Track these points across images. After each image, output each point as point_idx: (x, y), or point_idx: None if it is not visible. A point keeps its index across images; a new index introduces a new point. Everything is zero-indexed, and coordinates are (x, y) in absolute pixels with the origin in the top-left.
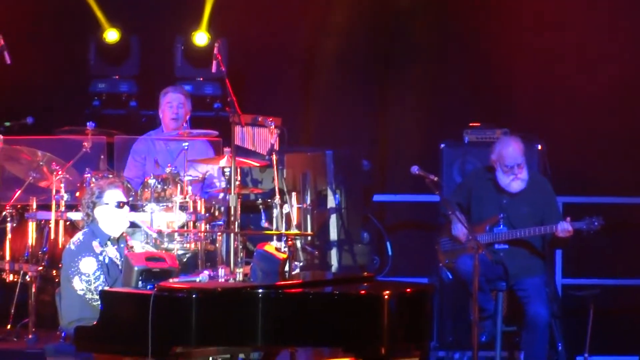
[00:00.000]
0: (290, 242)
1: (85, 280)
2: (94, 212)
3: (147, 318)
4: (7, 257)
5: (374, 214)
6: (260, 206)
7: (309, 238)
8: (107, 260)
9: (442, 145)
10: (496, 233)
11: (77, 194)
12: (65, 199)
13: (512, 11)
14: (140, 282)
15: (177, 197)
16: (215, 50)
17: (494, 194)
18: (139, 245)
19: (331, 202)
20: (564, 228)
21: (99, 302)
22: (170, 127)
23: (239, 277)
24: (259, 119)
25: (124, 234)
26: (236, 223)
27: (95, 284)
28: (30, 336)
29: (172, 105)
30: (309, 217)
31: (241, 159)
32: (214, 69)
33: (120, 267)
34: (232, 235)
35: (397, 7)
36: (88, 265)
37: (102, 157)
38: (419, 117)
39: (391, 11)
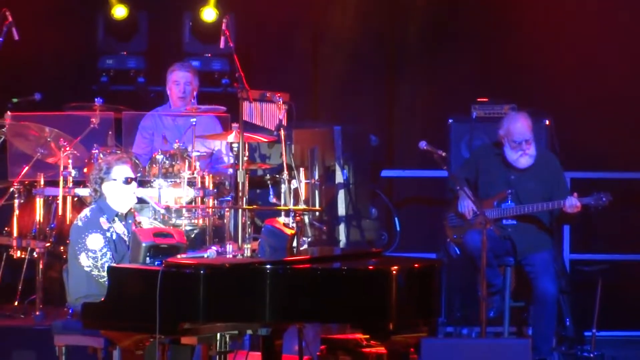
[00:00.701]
0: (298, 218)
1: (92, 256)
2: (102, 188)
3: (154, 294)
4: (15, 234)
5: (382, 189)
6: (268, 182)
7: (317, 214)
8: (114, 237)
9: (450, 121)
10: (504, 208)
11: (85, 170)
12: (73, 175)
13: None
14: (148, 258)
15: (185, 173)
16: (224, 26)
17: (501, 169)
18: (147, 221)
19: (339, 178)
20: (572, 204)
21: (105, 279)
22: (178, 105)
23: (247, 252)
24: (267, 95)
25: (132, 210)
26: (244, 199)
27: (102, 261)
28: (37, 313)
29: (179, 83)
30: (317, 192)
31: (249, 135)
32: (222, 45)
33: (127, 243)
34: (240, 211)
35: None
36: (95, 241)
37: (110, 133)
38: (426, 93)
39: None
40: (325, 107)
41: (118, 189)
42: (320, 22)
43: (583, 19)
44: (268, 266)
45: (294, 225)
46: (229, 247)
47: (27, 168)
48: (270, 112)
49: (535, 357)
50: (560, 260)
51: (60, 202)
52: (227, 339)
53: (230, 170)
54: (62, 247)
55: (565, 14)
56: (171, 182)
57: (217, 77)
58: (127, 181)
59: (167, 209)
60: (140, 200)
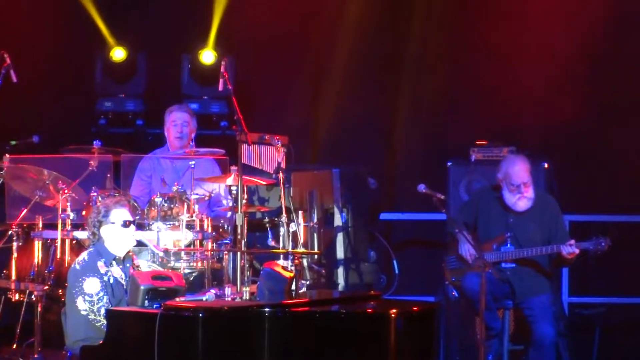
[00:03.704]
0: (297, 261)
1: (88, 300)
2: (100, 231)
3: (153, 337)
4: (13, 276)
5: (380, 232)
6: (267, 225)
7: (316, 257)
8: (111, 281)
9: (449, 164)
10: (503, 252)
11: (84, 212)
12: (71, 217)
13: (520, 31)
14: (146, 301)
15: (183, 216)
16: (222, 69)
17: (500, 212)
18: (146, 264)
19: (338, 221)
20: (568, 251)
21: (101, 323)
22: (176, 146)
23: (246, 296)
24: (266, 137)
25: (131, 253)
26: (243, 242)
27: (98, 305)
28: (36, 356)
29: (177, 124)
30: (315, 235)
31: (248, 177)
32: (220, 87)
33: (125, 287)
34: (238, 254)
35: (406, 25)
36: (92, 285)
37: (108, 175)
38: (425, 135)
39: (399, 29)
40: (323, 150)
41: (117, 232)
42: (318, 66)
43: (582, 63)
44: (267, 309)
45: (293, 268)
46: (228, 290)
47: (25, 211)
48: (269, 155)
49: None
50: (558, 304)
51: (58, 245)
52: None
53: (229, 213)
54: (60, 290)
55: (565, 58)
56: (170, 224)
57: (216, 119)
58: (126, 224)
59: (166, 251)
60: (139, 243)
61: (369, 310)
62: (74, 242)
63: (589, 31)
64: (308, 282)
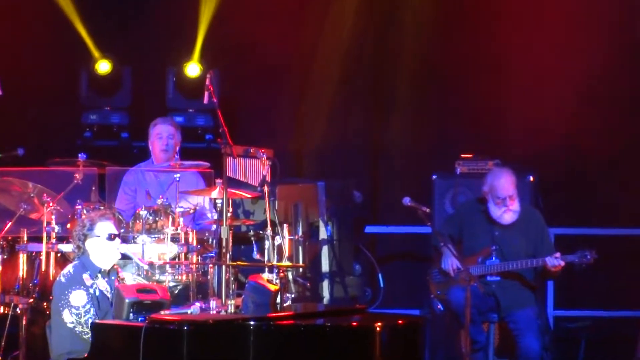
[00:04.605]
0: (282, 274)
1: (75, 313)
2: (85, 244)
3: (138, 350)
4: None
5: (365, 245)
6: (252, 238)
7: (301, 270)
8: (97, 293)
9: (434, 177)
10: (488, 265)
11: (68, 225)
12: (56, 230)
13: (506, 44)
14: (131, 314)
15: (168, 229)
16: (207, 82)
17: (485, 225)
18: (131, 277)
19: (323, 234)
20: (553, 264)
21: (88, 335)
22: (161, 159)
23: (231, 309)
24: (251, 151)
25: (115, 266)
26: (228, 255)
27: (85, 317)
28: None
29: (162, 136)
30: (300, 248)
31: (233, 191)
32: (205, 100)
33: (110, 299)
34: (223, 267)
35: (393, 37)
36: (78, 298)
37: (93, 188)
38: (410, 148)
39: (386, 42)
40: (309, 163)
41: (101, 245)
42: (303, 79)
43: (569, 76)
44: (252, 322)
45: (278, 281)
46: (213, 303)
47: (10, 224)
48: (254, 168)
49: None
50: (544, 317)
51: (43, 258)
52: None
53: (214, 226)
54: (45, 303)
55: (552, 70)
56: (154, 238)
57: (201, 132)
58: (111, 237)
59: (151, 265)
60: (124, 256)
61: (354, 324)
62: (59, 255)
63: (581, 44)
64: (293, 296)
